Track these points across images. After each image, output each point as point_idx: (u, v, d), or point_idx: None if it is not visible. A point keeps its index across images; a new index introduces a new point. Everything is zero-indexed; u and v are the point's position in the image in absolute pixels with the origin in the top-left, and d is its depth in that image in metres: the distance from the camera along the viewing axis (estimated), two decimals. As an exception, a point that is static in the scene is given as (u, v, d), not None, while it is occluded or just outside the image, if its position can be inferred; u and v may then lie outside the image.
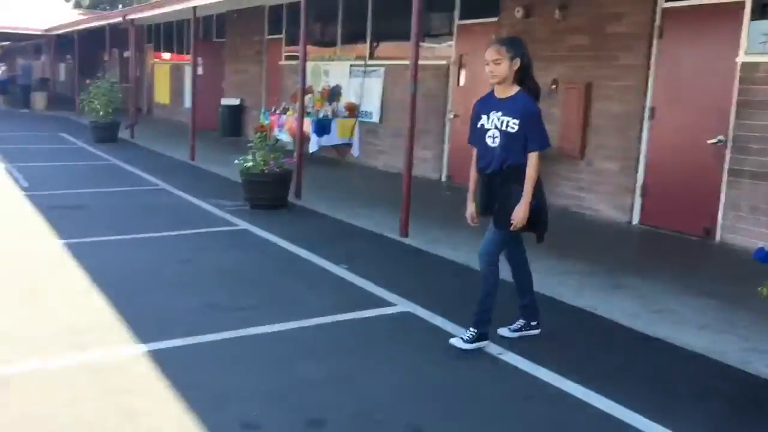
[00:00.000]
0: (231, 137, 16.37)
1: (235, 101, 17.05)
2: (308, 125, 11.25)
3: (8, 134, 15.79)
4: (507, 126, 3.97)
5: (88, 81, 18.06)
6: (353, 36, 12.95)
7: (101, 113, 14.93)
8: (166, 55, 22.13)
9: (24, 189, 8.85)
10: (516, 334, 4.30)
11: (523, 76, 4.04)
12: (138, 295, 4.93)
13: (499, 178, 4.04)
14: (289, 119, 12.04)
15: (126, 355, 3.85)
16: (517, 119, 3.94)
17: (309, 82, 12.20)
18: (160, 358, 3.79)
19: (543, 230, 4.17)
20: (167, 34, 21.82)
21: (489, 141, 4.05)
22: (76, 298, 4.79)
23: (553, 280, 5.53)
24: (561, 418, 3.35)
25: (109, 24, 18.57)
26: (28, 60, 35.82)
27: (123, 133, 15.33)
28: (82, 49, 23.33)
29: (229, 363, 3.82)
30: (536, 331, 4.34)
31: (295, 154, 8.95)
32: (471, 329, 4.09)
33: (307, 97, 11.67)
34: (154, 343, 3.99)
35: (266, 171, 8.08)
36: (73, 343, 3.97)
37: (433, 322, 4.54)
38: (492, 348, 4.13)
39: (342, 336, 4.32)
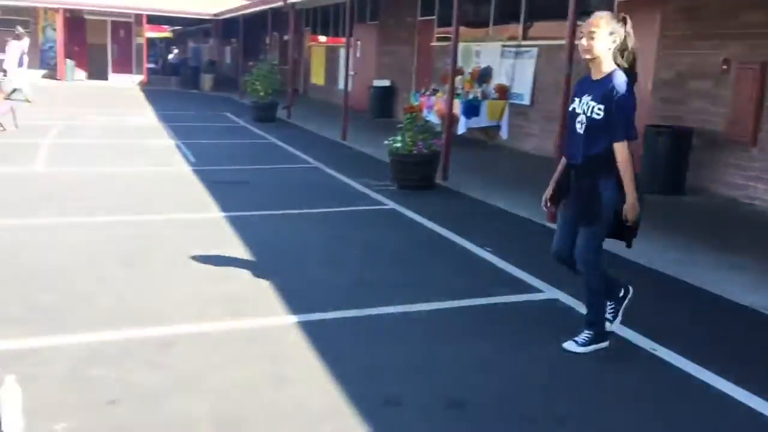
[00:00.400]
0: (381, 118, 16.66)
1: (386, 83, 17.32)
2: (457, 107, 11.21)
3: (179, 113, 17.04)
4: (592, 112, 3.58)
5: (250, 63, 19.12)
6: (506, 16, 12.68)
7: (262, 94, 15.70)
8: (322, 38, 22.87)
9: (191, 164, 9.51)
10: (619, 319, 3.94)
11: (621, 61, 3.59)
12: (291, 267, 5.16)
13: (583, 168, 3.69)
14: (439, 101, 12.04)
15: (278, 325, 4.04)
16: (602, 104, 3.53)
17: (459, 63, 12.12)
18: (310, 330, 3.94)
19: (633, 235, 3.76)
20: (324, 18, 22.51)
21: (578, 126, 3.68)
22: (234, 267, 5.08)
23: (720, 275, 5.16)
24: (713, 419, 3.14)
25: (271, 8, 19.45)
26: (198, 44, 38.39)
27: (281, 113, 16.05)
28: (246, 32, 24.67)
29: (375, 338, 3.91)
30: (629, 294, 3.95)
31: (443, 136, 8.95)
32: (585, 332, 3.83)
33: (457, 79, 11.60)
34: (305, 314, 4.16)
35: (414, 152, 8.15)
36: (230, 310, 4.23)
37: (581, 312, 4.37)
38: (645, 343, 3.93)
39: (487, 319, 4.29)
